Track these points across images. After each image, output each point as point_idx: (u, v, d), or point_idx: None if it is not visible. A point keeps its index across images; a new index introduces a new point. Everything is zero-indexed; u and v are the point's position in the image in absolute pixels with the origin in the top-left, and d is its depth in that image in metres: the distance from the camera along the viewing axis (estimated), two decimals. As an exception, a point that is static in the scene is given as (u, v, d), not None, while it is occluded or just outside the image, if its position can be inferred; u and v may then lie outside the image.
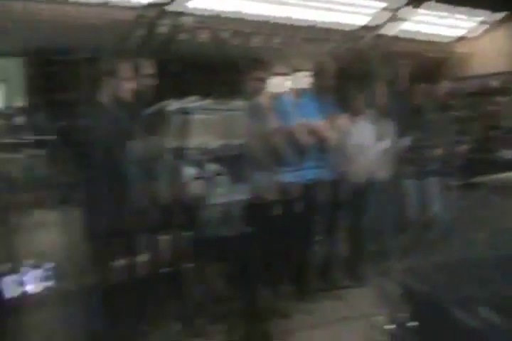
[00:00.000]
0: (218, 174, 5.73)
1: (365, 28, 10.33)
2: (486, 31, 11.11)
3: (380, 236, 7.10)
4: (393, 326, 3.37)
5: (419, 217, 6.78)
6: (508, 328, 2.78)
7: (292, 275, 5.89)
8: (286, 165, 5.34)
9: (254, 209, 4.61)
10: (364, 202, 6.76)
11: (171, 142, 7.33)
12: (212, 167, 6.04)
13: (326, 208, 6.33)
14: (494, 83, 10.34)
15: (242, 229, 4.66)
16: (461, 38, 11.38)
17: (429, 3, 9.58)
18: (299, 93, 5.83)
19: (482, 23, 11.01)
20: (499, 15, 10.72)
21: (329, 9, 9.79)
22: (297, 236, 5.70)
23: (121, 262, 4.02)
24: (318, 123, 5.77)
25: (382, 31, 10.35)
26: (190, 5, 9.60)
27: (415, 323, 3.33)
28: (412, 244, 4.06)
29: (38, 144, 9.05)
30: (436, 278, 3.36)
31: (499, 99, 6.92)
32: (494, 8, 10.34)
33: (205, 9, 9.63)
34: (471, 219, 3.64)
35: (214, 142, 6.33)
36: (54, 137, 6.27)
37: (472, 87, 10.90)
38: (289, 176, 5.48)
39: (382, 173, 6.70)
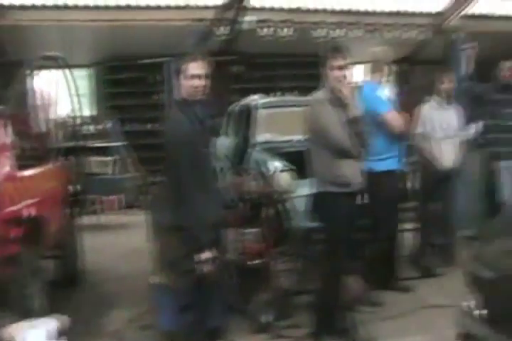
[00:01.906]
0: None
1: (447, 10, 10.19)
2: None
3: (472, 222, 7.04)
4: (483, 311, 3.34)
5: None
6: None
7: (383, 264, 5.88)
8: (375, 153, 5.33)
9: (344, 198, 4.63)
10: (452, 187, 6.69)
11: (257, 136, 7.48)
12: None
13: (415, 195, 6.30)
14: None
15: (329, 218, 4.69)
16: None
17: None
18: (380, 81, 5.81)
19: None
20: None
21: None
22: (384, 225, 5.69)
23: (210, 254, 4.13)
24: (399, 112, 5.75)
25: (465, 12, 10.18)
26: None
27: (484, 311, 3.30)
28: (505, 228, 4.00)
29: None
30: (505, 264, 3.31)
31: None
32: None
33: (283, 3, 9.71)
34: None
35: (297, 135, 6.42)
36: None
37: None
38: (376, 164, 5.47)
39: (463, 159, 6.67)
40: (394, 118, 5.58)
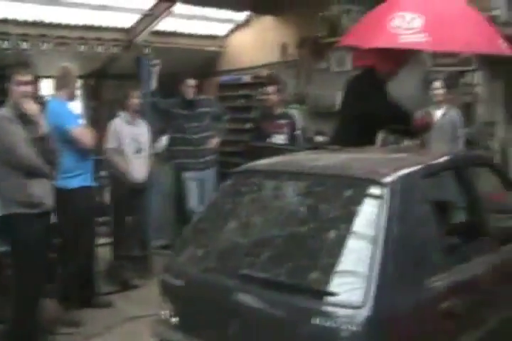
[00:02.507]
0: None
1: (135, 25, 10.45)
2: (236, 29, 11.87)
3: (166, 231, 7.30)
4: (176, 319, 3.50)
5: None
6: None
7: (81, 282, 5.81)
8: (65, 170, 5.25)
9: (36, 219, 4.50)
10: (145, 200, 6.90)
11: None
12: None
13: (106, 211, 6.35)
14: (262, 74, 11.08)
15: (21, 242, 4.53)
16: (215, 37, 12.00)
17: (179, 4, 9.89)
18: (69, 96, 5.73)
19: (231, 22, 11.71)
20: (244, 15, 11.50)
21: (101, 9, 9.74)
22: (79, 242, 5.64)
23: None
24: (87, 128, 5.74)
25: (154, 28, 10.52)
26: None
27: (177, 318, 3.49)
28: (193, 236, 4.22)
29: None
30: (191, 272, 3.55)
31: (269, 88, 7.39)
32: (239, 9, 11.05)
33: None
34: (225, 206, 3.87)
35: None
36: None
37: (243, 79, 11.53)
38: (68, 182, 5.40)
39: (154, 172, 6.95)
40: (82, 134, 5.50)
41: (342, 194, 3.30)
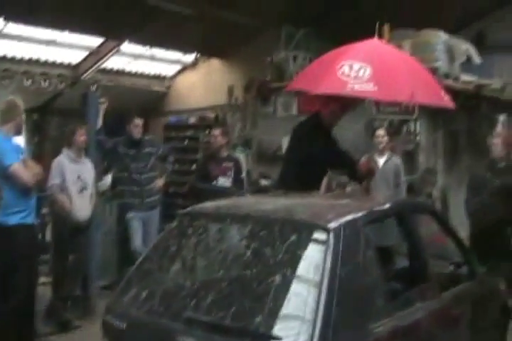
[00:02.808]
0: None
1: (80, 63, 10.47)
2: (183, 70, 12.03)
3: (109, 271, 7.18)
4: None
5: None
6: None
7: (19, 322, 5.62)
8: (6, 206, 5.14)
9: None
10: (88, 238, 6.78)
11: None
12: None
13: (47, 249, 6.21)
14: (208, 116, 11.21)
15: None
16: (163, 77, 12.12)
17: (127, 43, 9.98)
18: (14, 130, 5.63)
19: (178, 63, 11.88)
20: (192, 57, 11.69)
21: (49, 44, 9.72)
22: (19, 280, 5.48)
23: None
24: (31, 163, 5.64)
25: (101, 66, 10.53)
26: None
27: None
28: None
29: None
30: (135, 313, 3.49)
31: (215, 131, 7.44)
32: (187, 51, 11.24)
33: None
34: (170, 248, 3.85)
35: None
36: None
37: (189, 120, 11.63)
38: (9, 218, 5.29)
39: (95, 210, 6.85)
40: (21, 170, 5.37)
41: (287, 238, 3.32)
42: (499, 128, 10.46)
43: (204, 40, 10.43)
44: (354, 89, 4.59)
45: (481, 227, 6.65)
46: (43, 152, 10.77)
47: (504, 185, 6.63)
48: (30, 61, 9.90)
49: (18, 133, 5.73)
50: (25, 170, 5.41)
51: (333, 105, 5.30)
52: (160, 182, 7.37)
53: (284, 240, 3.31)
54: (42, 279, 6.50)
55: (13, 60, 9.72)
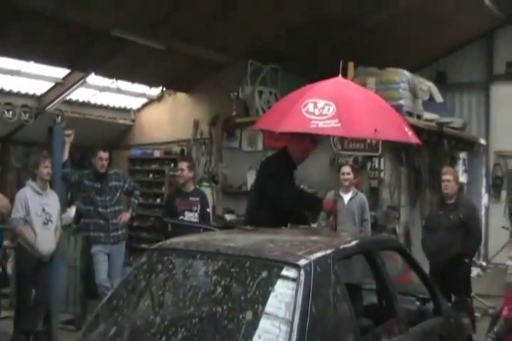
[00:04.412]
0: None
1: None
2: (149, 104, 12.13)
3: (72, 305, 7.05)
4: None
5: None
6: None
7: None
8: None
9: None
10: (51, 272, 6.66)
11: None
12: None
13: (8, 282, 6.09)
14: (174, 150, 11.23)
15: None
16: (128, 110, 12.17)
17: (93, 75, 10.01)
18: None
19: (144, 96, 11.98)
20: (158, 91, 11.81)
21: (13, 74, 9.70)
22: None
23: None
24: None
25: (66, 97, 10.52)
26: None
27: None
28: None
29: None
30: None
31: (182, 165, 7.42)
32: (153, 84, 11.33)
33: None
34: (139, 284, 3.81)
35: None
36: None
37: (154, 154, 11.62)
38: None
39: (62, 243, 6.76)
40: None
41: (257, 275, 3.33)
42: (460, 165, 10.73)
43: (170, 73, 10.52)
44: (318, 126, 4.62)
45: (440, 265, 6.81)
46: (5, 183, 10.64)
47: (456, 219, 6.86)
48: (-6, 91, 9.86)
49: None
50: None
51: (300, 142, 5.35)
52: (126, 216, 7.32)
53: (255, 277, 3.31)
54: (3, 313, 6.36)
55: (-23, 89, 9.68)
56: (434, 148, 9.34)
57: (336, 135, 5.83)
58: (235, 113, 9.89)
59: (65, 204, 7.47)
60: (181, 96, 11.59)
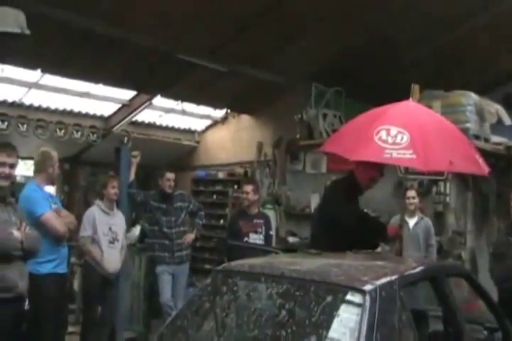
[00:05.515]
0: None
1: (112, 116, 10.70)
2: (213, 126, 12.31)
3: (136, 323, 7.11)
4: None
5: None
6: None
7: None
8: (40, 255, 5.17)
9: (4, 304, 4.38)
10: (116, 290, 6.77)
11: None
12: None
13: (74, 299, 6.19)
14: (237, 171, 11.29)
15: None
16: (193, 131, 12.38)
17: (159, 97, 10.19)
18: (47, 180, 5.72)
19: (209, 118, 12.15)
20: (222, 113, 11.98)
21: (82, 96, 9.97)
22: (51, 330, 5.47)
23: None
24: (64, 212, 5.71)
25: (132, 119, 10.75)
26: None
27: None
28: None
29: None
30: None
31: (247, 187, 7.44)
32: (217, 106, 11.48)
33: None
34: (204, 305, 3.83)
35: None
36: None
37: (218, 175, 11.72)
38: (40, 266, 5.32)
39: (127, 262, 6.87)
40: (53, 219, 5.43)
41: (322, 299, 3.31)
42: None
43: (234, 96, 10.62)
44: (392, 156, 4.51)
45: (508, 293, 6.57)
46: (72, 202, 10.91)
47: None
48: (63, 112, 10.13)
49: (50, 183, 5.85)
50: (57, 219, 5.48)
51: (369, 168, 5.26)
52: (190, 237, 7.41)
53: (319, 301, 3.30)
54: (69, 328, 6.49)
55: (47, 110, 9.96)
56: (501, 172, 9.12)
57: (412, 167, 5.70)
58: (298, 135, 9.88)
59: (129, 224, 7.61)
60: (245, 118, 11.69)
